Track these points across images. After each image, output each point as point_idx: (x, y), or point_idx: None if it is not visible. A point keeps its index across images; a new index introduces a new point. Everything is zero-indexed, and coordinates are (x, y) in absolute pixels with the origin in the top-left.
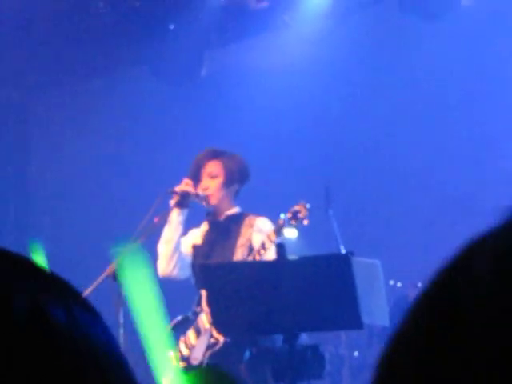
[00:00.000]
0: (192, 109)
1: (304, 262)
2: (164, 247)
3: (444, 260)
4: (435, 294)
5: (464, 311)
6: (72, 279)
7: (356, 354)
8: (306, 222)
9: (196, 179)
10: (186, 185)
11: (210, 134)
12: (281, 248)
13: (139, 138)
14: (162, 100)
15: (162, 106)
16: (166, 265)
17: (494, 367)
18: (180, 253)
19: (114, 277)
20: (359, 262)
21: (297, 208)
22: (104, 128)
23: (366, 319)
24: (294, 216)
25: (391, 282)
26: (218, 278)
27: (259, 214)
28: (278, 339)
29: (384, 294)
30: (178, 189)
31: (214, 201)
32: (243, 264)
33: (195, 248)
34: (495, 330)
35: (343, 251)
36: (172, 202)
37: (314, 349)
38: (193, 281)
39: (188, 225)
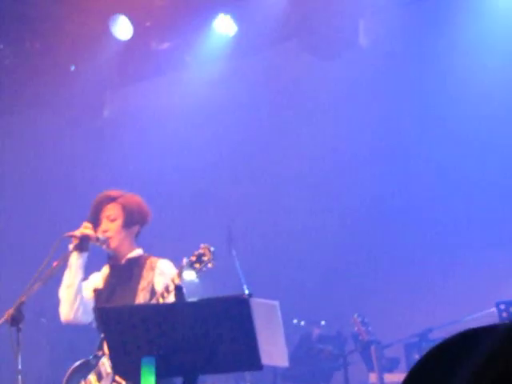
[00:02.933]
0: (92, 150)
1: (203, 304)
2: (65, 292)
3: None
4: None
5: None
6: None
7: None
8: (210, 265)
9: (95, 223)
10: (85, 228)
11: (109, 175)
12: (179, 291)
13: (38, 180)
14: (63, 141)
15: (62, 146)
16: (68, 309)
17: None
18: (82, 297)
19: (12, 322)
20: (258, 304)
21: (201, 251)
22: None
23: (265, 360)
24: (199, 259)
25: (295, 321)
26: (116, 321)
27: (161, 256)
28: (178, 382)
29: (282, 334)
30: (77, 232)
31: (114, 243)
32: (141, 307)
33: (97, 292)
34: None
35: (246, 291)
36: (71, 246)
37: None
38: (94, 324)
39: (90, 268)
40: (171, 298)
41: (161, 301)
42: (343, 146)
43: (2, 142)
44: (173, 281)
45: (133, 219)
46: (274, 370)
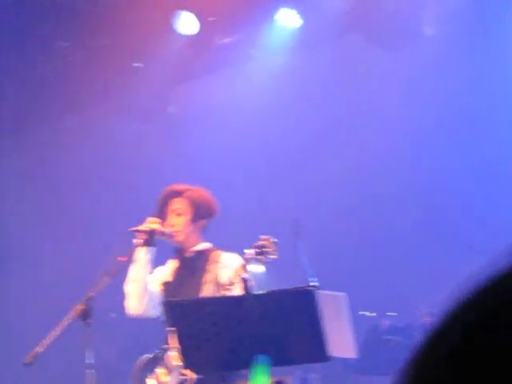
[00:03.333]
0: (159, 145)
1: (270, 296)
2: (133, 286)
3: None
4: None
5: None
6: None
7: None
8: (274, 256)
9: (161, 217)
10: (151, 223)
11: (174, 170)
12: (246, 283)
13: (104, 176)
14: (128, 137)
15: (127, 143)
16: (137, 304)
17: None
18: (150, 291)
19: (81, 317)
20: (325, 296)
21: (262, 243)
22: (74, 167)
23: (334, 352)
24: (261, 251)
25: (362, 312)
26: (184, 315)
27: (228, 249)
28: (247, 375)
29: (350, 326)
30: (143, 227)
31: (180, 238)
32: (208, 300)
33: (165, 285)
34: None
35: (313, 284)
36: (137, 241)
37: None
38: (162, 318)
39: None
40: (236, 291)
41: (225, 293)
42: (410, 138)
43: (68, 139)
44: (237, 273)
45: (200, 213)
46: (344, 361)
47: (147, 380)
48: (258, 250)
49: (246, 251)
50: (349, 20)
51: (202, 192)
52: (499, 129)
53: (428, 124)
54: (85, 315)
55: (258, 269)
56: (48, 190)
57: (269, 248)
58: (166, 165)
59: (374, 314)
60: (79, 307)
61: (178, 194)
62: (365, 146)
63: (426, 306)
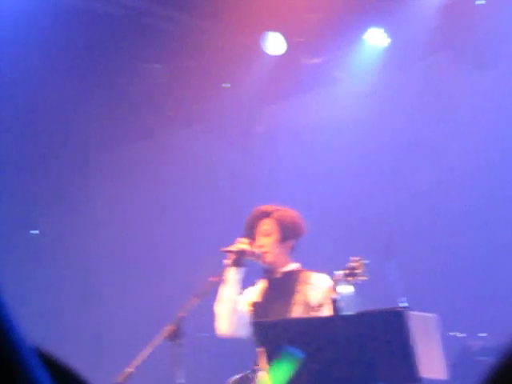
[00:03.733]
0: (244, 166)
1: (359, 317)
2: (222, 306)
3: None
4: None
5: None
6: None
7: None
8: (363, 278)
9: (250, 238)
10: (241, 243)
11: (262, 190)
12: (336, 304)
13: (192, 197)
14: (215, 158)
15: (214, 163)
16: (227, 324)
17: None
18: (239, 311)
19: (172, 338)
20: (415, 317)
21: (352, 264)
22: (156, 187)
23: (423, 373)
24: (351, 272)
25: (451, 333)
26: (274, 335)
27: (318, 270)
28: None
29: (441, 347)
30: (233, 247)
31: (269, 258)
32: (297, 320)
33: (254, 306)
34: None
35: (403, 304)
36: (228, 261)
37: None
38: (252, 339)
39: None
40: (324, 312)
41: (314, 314)
42: (496, 155)
43: (156, 159)
44: (327, 294)
45: (288, 234)
46: (434, 383)
47: None
48: (347, 272)
49: (335, 272)
50: (438, 38)
51: (290, 212)
52: None
53: None
54: (175, 336)
55: (347, 290)
56: (137, 213)
57: (359, 270)
58: (254, 185)
59: (464, 335)
60: (170, 328)
61: (266, 215)
62: (455, 164)
63: None
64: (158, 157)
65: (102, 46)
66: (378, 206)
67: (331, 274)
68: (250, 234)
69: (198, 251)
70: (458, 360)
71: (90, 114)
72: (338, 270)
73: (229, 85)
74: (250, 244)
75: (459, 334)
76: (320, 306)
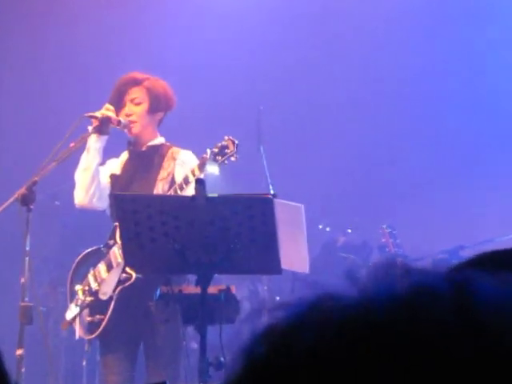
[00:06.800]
0: (121, 28)
1: (224, 200)
2: (81, 175)
3: None
4: None
5: None
6: None
7: (278, 298)
8: (233, 159)
9: (117, 106)
10: (107, 110)
11: (138, 55)
12: (200, 184)
13: (57, 57)
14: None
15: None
16: (83, 194)
17: None
18: (98, 182)
19: (23, 202)
20: (282, 205)
21: (224, 143)
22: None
23: (285, 265)
24: (221, 152)
25: (320, 226)
26: (132, 210)
27: (183, 146)
28: (192, 279)
29: (305, 239)
30: (98, 113)
31: (136, 128)
32: (159, 198)
33: (113, 178)
34: None
35: (271, 191)
36: (90, 128)
37: (228, 292)
38: (109, 212)
39: (107, 154)
40: (190, 191)
41: (179, 193)
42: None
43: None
44: (193, 172)
45: (158, 105)
46: (293, 275)
47: (89, 276)
48: (217, 150)
49: (207, 150)
50: None
51: (161, 82)
52: None
53: None
54: (26, 200)
55: (213, 170)
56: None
57: (230, 149)
58: (126, 48)
59: (328, 229)
60: (22, 191)
61: (136, 82)
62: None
63: (390, 225)
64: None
65: None
66: (252, 81)
67: (199, 153)
68: (119, 101)
69: (63, 116)
70: (320, 254)
71: None
72: (208, 147)
73: None
74: (117, 112)
75: (326, 229)
76: (186, 184)
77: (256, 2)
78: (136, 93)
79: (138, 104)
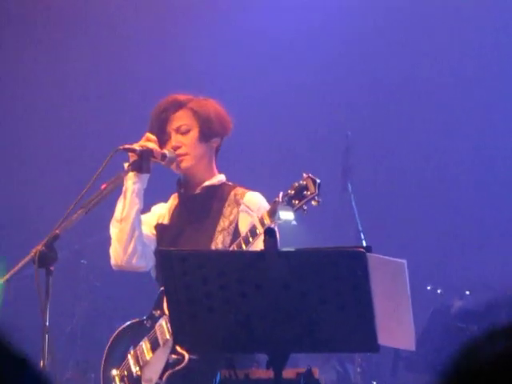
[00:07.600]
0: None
1: (303, 255)
2: (118, 227)
3: None
4: None
5: None
6: None
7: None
8: (314, 203)
9: (161, 139)
10: (148, 140)
11: (181, 78)
12: (271, 236)
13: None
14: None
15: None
16: (121, 251)
17: None
18: (140, 235)
19: (41, 262)
20: (379, 261)
21: (302, 183)
22: None
23: (383, 340)
24: (299, 194)
25: (429, 288)
26: (183, 271)
27: (250, 187)
28: (262, 360)
29: (409, 305)
30: (136, 145)
31: (188, 162)
32: (218, 254)
33: (160, 229)
34: None
35: (363, 242)
36: (127, 165)
37: (310, 376)
38: (154, 273)
39: (150, 199)
40: (259, 245)
41: (244, 248)
42: None
43: None
44: (262, 221)
45: (211, 129)
46: (395, 352)
47: (128, 357)
48: (293, 193)
49: (280, 193)
50: None
51: (210, 101)
52: None
53: None
54: (45, 260)
55: (287, 217)
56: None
57: (309, 191)
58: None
59: (441, 292)
60: (39, 248)
61: (179, 105)
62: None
63: None
64: None
65: None
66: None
67: (270, 195)
68: (160, 133)
69: (94, 151)
70: (430, 324)
71: None
72: (282, 190)
73: None
74: (160, 145)
75: (437, 290)
76: (252, 236)
77: None
78: (181, 119)
79: (185, 132)
